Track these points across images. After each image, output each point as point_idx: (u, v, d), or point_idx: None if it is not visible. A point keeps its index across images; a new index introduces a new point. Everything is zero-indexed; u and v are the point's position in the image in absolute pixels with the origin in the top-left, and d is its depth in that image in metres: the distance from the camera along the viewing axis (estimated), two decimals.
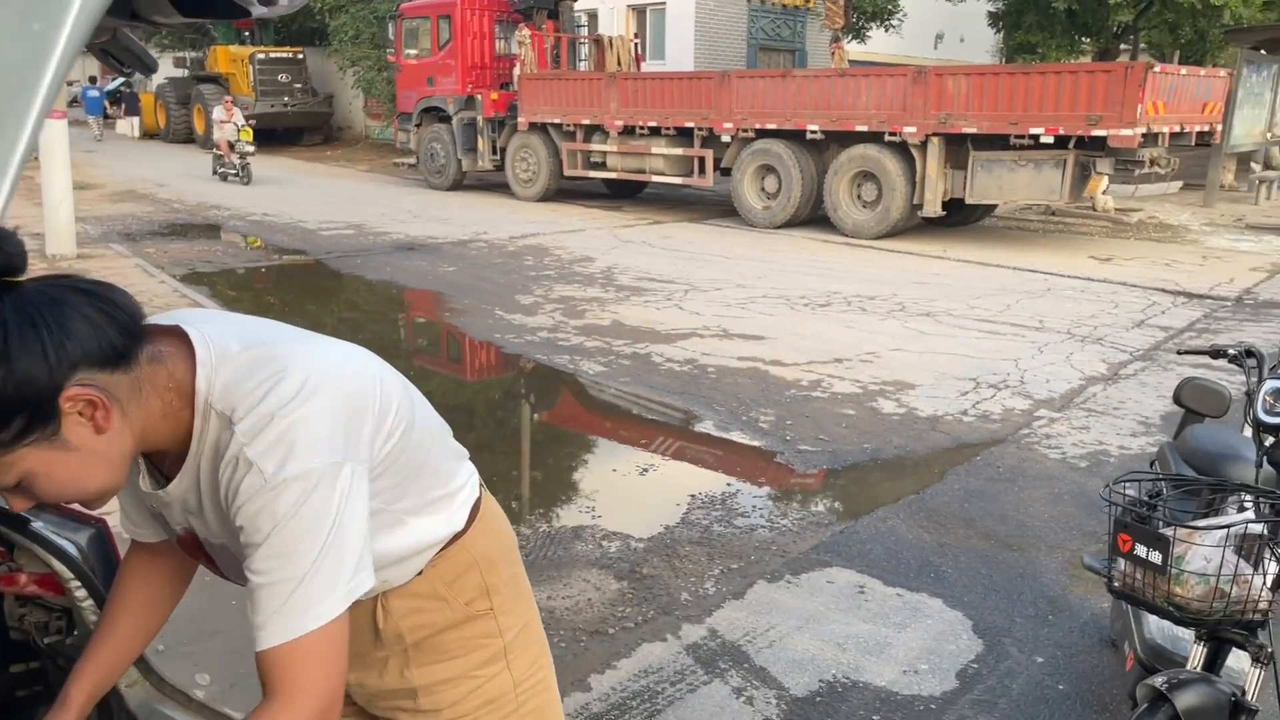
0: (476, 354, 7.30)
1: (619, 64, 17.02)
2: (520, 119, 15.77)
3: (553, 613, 3.39)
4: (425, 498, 1.35)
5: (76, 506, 1.57)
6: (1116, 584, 2.19)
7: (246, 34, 26.53)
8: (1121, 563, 2.16)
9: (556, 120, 15.32)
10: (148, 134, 28.66)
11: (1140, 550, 2.10)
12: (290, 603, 1.08)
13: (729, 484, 4.65)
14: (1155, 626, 2.60)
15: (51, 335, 0.99)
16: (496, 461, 5.06)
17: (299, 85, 25.26)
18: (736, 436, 5.31)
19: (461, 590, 1.41)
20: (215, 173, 17.97)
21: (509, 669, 1.45)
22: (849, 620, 3.39)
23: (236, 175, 17.37)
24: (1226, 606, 2.05)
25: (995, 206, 13.47)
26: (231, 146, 17.42)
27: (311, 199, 15.51)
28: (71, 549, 1.47)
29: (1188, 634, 2.35)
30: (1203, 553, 2.05)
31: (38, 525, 1.47)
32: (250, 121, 18.50)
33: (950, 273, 10.24)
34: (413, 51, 17.18)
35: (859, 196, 12.56)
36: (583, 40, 17.55)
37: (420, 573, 1.38)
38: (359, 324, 8.22)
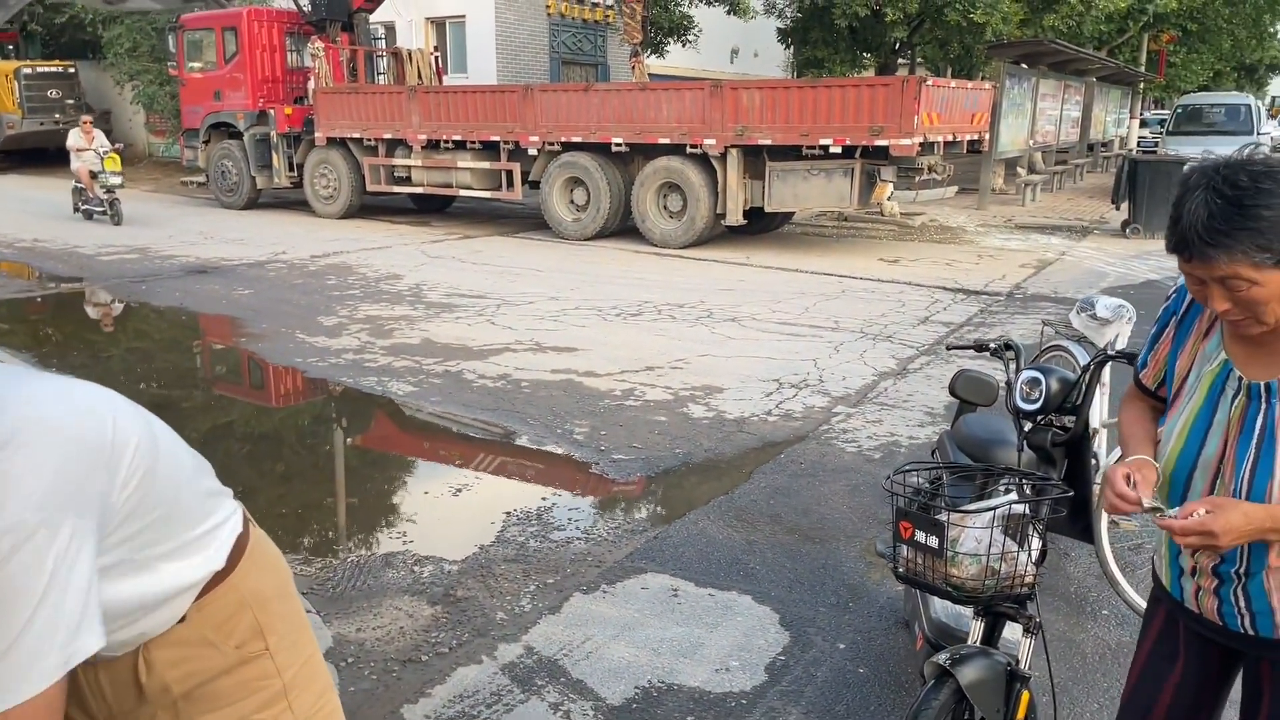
0: (276, 380, 6.98)
1: (420, 77, 16.74)
2: (317, 134, 15.25)
3: (363, 645, 3.28)
4: (178, 540, 1.28)
5: None
6: (901, 569, 2.32)
7: (10, 47, 24.48)
8: (904, 549, 2.29)
9: (356, 135, 14.90)
10: None
11: (920, 536, 2.24)
12: None
13: (544, 498, 4.64)
14: (940, 606, 2.77)
15: None
16: (301, 493, 4.85)
17: (71, 101, 23.46)
18: (551, 449, 5.31)
19: (232, 633, 1.35)
20: (77, 210, 14.79)
21: (291, 709, 1.40)
22: (663, 624, 3.44)
23: (104, 213, 14.31)
24: (997, 583, 2.21)
25: (793, 214, 14.08)
26: (94, 178, 14.28)
27: (89, 222, 14.45)
28: None
29: (969, 611, 2.51)
30: (974, 534, 2.21)
31: None
32: (117, 146, 15.18)
33: (753, 278, 10.62)
34: (197, 65, 16.31)
35: (665, 207, 12.84)
36: (380, 53, 17.14)
37: (183, 618, 1.31)
38: (147, 354, 7.71)
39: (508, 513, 4.45)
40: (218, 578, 1.34)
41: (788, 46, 23.06)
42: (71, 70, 23.69)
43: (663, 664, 3.19)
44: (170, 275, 10.45)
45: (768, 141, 11.82)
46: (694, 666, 3.17)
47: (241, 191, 16.30)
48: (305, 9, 15.81)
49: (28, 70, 22.81)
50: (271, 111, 15.61)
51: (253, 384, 7.09)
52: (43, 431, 1.07)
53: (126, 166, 23.58)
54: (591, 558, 3.98)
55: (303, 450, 5.60)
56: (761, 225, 13.69)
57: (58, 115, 23.03)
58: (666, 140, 12.47)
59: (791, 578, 3.79)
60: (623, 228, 13.48)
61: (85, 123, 15.02)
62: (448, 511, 4.56)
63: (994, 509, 2.21)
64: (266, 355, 7.36)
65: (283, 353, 7.34)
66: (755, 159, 12.12)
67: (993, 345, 2.96)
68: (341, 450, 5.67)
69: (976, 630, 2.41)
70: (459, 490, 4.78)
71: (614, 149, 12.89)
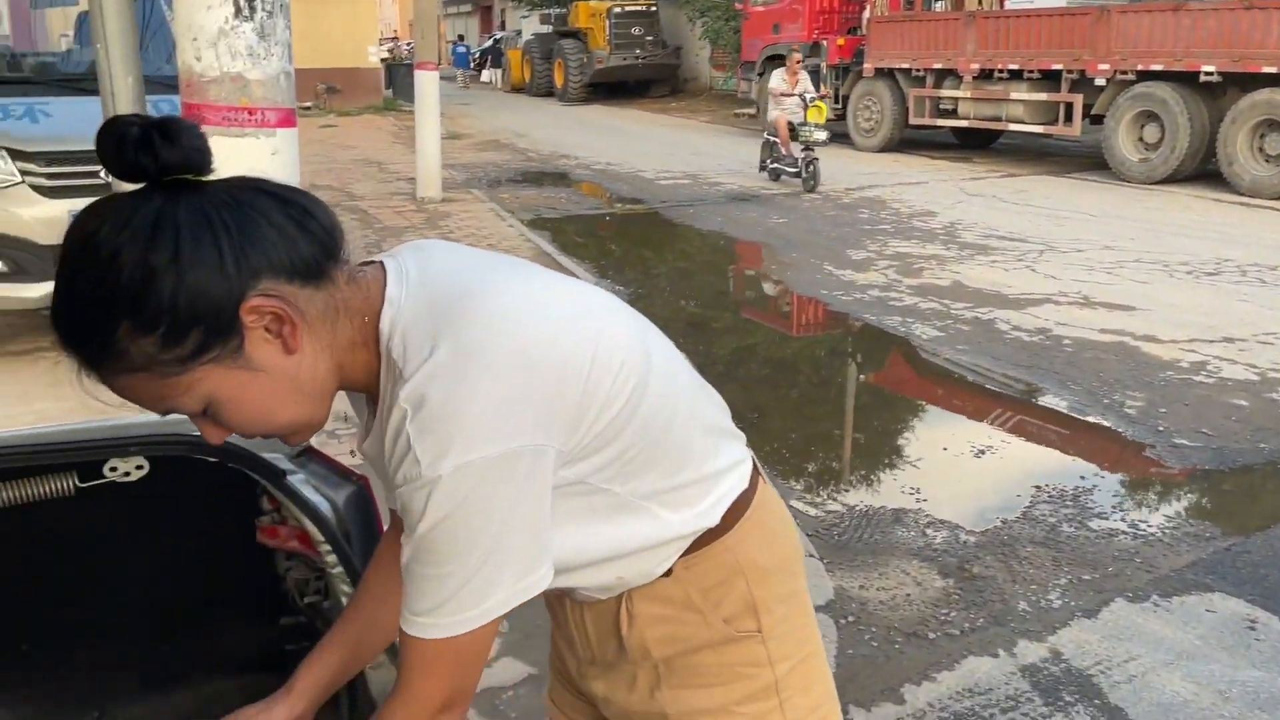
0: (800, 310, 6.98)
1: (979, 2, 15.72)
2: (866, 64, 15.06)
3: (865, 604, 3.04)
4: (668, 481, 1.08)
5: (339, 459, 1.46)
6: None
7: None
8: None
9: (905, 65, 14.46)
10: (514, 88, 30.87)
11: None
12: (441, 604, 0.94)
13: (1083, 477, 4.02)
14: None
15: (231, 240, 0.87)
16: (813, 425, 4.74)
17: (650, 38, 25.88)
18: (1095, 422, 4.61)
19: (721, 603, 1.13)
20: (764, 168, 12.16)
21: (782, 709, 1.16)
22: (1234, 662, 2.75)
23: (796, 174, 11.49)
24: None
25: None
26: (793, 132, 11.42)
27: (652, 150, 15.80)
28: (326, 508, 1.36)
29: None
30: None
31: (295, 479, 1.38)
32: (823, 96, 12.19)
33: None
34: None
35: (1261, 149, 10.71)
36: None
37: (669, 573, 1.12)
38: (688, 273, 8.18)
39: (1038, 487, 3.92)
40: (710, 535, 1.13)
41: None
42: (653, 9, 26.08)
43: (1232, 713, 2.54)
44: (715, 201, 11.01)
45: None
46: None
47: None
48: None
49: (618, 9, 25.51)
50: (824, 43, 15.71)
51: (778, 311, 7.18)
52: (514, 336, 0.93)
53: (688, 100, 25.66)
54: (1141, 559, 3.33)
55: (817, 384, 5.51)
56: None
57: (638, 51, 25.56)
58: (1272, 69, 10.33)
59: None
60: (1199, 171, 11.52)
61: (794, 60, 12.02)
62: (967, 474, 4.14)
63: None
64: (793, 284, 7.39)
65: (809, 283, 7.31)
66: None
67: None
68: (857, 390, 5.48)
69: None
70: (981, 452, 4.33)
71: (1202, 79, 11.00)
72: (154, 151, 0.85)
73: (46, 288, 4.89)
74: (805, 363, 5.94)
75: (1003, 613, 3.00)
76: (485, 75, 34.20)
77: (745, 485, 1.17)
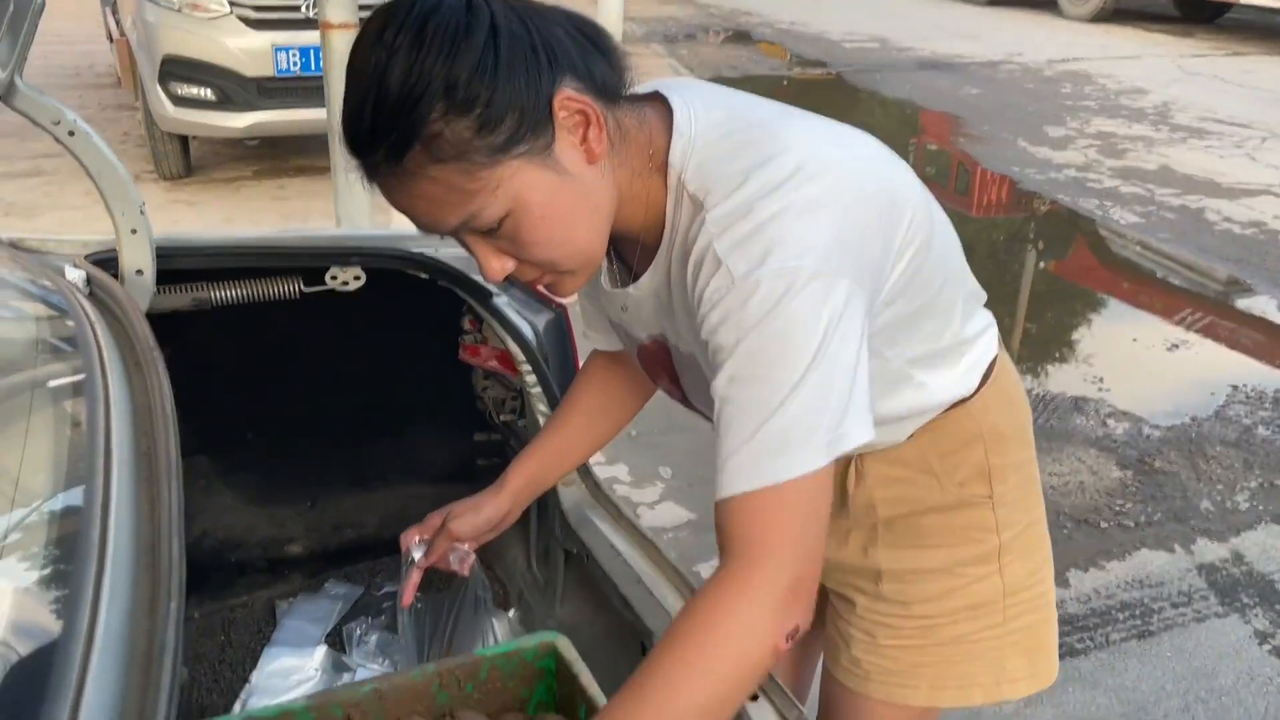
0: (988, 186, 6.63)
1: None
2: None
3: None
4: (934, 345, 1.04)
5: (541, 290, 1.50)
6: None
7: None
8: None
9: None
10: None
11: None
12: (758, 440, 0.81)
13: None
14: None
15: (540, 34, 0.83)
16: (993, 306, 4.55)
17: None
18: None
19: (957, 467, 1.12)
20: None
21: (1000, 574, 1.16)
22: None
23: None
24: None
25: None
26: None
27: (839, 9, 15.02)
28: (528, 330, 1.41)
29: None
30: None
31: (500, 301, 1.43)
32: None
33: None
34: None
35: None
36: None
37: (911, 437, 1.11)
38: None
39: (1234, 387, 3.69)
40: (958, 400, 1.11)
41: None
42: None
43: None
44: (903, 68, 10.45)
45: None
46: None
47: None
48: None
49: None
50: None
51: (963, 187, 6.85)
52: (830, 173, 0.87)
53: None
54: None
55: (998, 264, 5.27)
56: None
57: None
58: None
59: None
60: None
61: None
62: (1156, 368, 3.92)
63: None
64: (983, 159, 7.01)
65: (1001, 159, 6.92)
66: None
67: None
68: (1042, 272, 5.22)
69: None
70: (1175, 346, 4.08)
71: None
72: None
73: (251, 118, 5.20)
74: (992, 244, 5.68)
75: (1183, 509, 2.88)
76: None
77: (995, 351, 1.15)
